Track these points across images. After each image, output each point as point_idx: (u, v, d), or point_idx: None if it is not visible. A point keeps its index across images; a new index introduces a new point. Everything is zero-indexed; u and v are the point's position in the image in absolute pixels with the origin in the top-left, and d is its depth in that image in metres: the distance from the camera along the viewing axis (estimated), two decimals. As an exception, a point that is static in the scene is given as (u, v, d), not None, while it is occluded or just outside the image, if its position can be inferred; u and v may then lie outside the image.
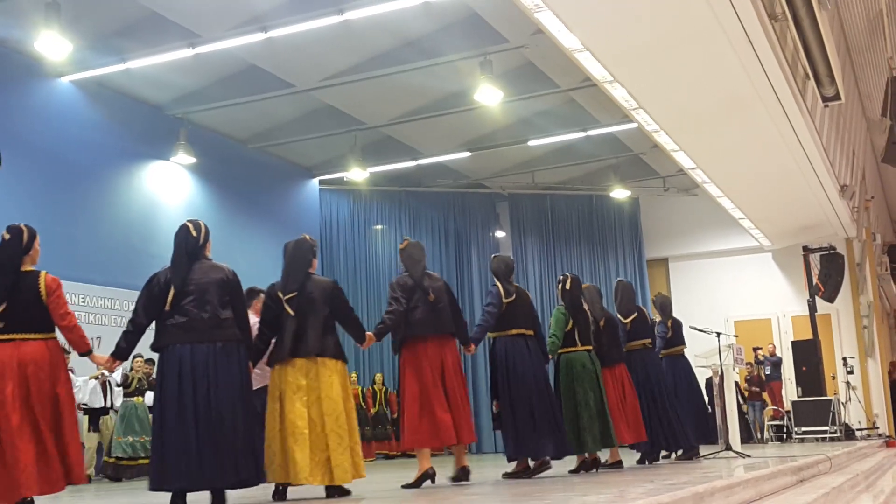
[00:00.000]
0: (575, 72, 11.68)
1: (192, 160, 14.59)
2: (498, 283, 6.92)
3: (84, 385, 11.13)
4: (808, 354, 15.71)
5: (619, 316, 8.49)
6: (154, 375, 11.60)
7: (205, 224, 5.30)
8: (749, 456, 8.82)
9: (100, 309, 12.70)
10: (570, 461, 7.51)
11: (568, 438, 6.89)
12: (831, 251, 16.80)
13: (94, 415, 11.43)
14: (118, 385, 11.42)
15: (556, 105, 15.47)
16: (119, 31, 12.27)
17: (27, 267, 5.26)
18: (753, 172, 13.61)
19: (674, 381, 8.93)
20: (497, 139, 16.69)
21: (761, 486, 5.18)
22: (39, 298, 5.17)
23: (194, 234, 5.20)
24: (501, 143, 16.80)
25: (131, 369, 11.35)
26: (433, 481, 6.13)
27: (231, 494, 5.20)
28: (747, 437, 14.49)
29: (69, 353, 6.71)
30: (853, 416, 15.97)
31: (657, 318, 9.35)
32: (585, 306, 7.54)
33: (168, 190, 14.48)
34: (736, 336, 12.15)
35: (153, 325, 5.13)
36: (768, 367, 17.04)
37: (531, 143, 16.71)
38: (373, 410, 16.47)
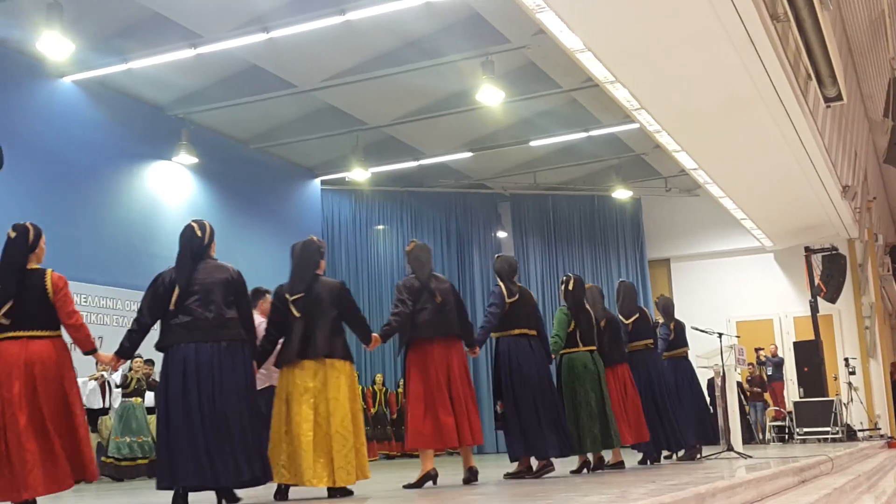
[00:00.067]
0: (577, 72, 11.67)
1: (194, 160, 14.60)
2: (501, 284, 6.92)
3: (83, 385, 11.12)
4: (810, 355, 15.71)
5: (620, 317, 8.49)
6: (153, 376, 11.66)
7: (210, 224, 5.31)
8: (751, 456, 8.81)
9: (101, 309, 12.70)
10: (572, 461, 7.51)
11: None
12: (833, 252, 16.79)
13: (93, 415, 11.42)
14: (117, 386, 11.42)
15: (558, 105, 15.46)
16: (121, 31, 12.28)
17: (33, 265, 5.28)
18: (755, 173, 13.61)
19: (675, 382, 8.93)
20: (499, 139, 16.69)
21: (763, 486, 5.18)
22: (46, 296, 5.19)
23: (199, 234, 5.21)
24: (503, 144, 16.79)
25: (130, 369, 11.34)
26: (435, 482, 6.13)
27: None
28: (749, 437, 14.49)
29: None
30: (855, 416, 15.96)
31: (659, 319, 9.35)
32: (588, 307, 7.54)
33: (169, 190, 14.49)
34: (738, 336, 12.14)
35: (157, 324, 5.14)
36: (770, 368, 17.03)
37: (533, 143, 16.71)
38: (373, 410, 16.48)
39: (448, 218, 19.94)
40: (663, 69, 9.75)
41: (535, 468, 6.77)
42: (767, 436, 15.97)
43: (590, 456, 7.36)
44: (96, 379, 11.26)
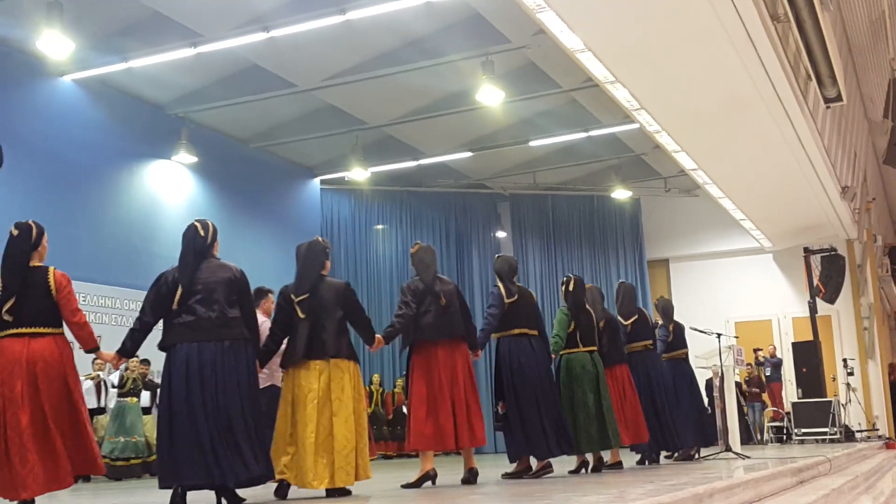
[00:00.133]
0: (577, 72, 11.68)
1: (194, 159, 14.60)
2: (499, 284, 6.92)
3: (79, 385, 11.11)
4: (809, 356, 15.71)
5: (619, 318, 8.49)
6: (149, 376, 11.67)
7: (213, 224, 5.32)
8: (749, 457, 8.82)
9: (101, 308, 12.70)
10: (571, 462, 7.51)
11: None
12: (832, 252, 16.79)
13: (88, 415, 11.40)
14: (114, 386, 11.41)
15: (558, 105, 15.47)
16: (121, 30, 12.29)
17: (35, 263, 5.31)
18: (755, 173, 13.61)
19: (674, 384, 8.93)
20: (498, 139, 16.70)
21: (761, 487, 5.18)
22: (49, 293, 5.21)
23: (202, 233, 5.22)
24: (503, 144, 16.80)
25: (126, 369, 11.32)
26: (434, 482, 6.14)
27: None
28: (747, 438, 14.50)
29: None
30: (853, 417, 15.96)
31: (659, 321, 9.36)
32: (588, 307, 7.54)
33: (169, 189, 14.49)
34: (736, 337, 12.17)
35: (158, 324, 5.15)
36: (768, 369, 17.04)
37: (532, 143, 16.72)
38: (369, 410, 16.48)
39: (447, 218, 19.95)
40: (663, 69, 9.75)
41: (534, 468, 6.77)
42: (765, 436, 15.97)
43: (588, 456, 7.37)
44: (92, 378, 11.26)
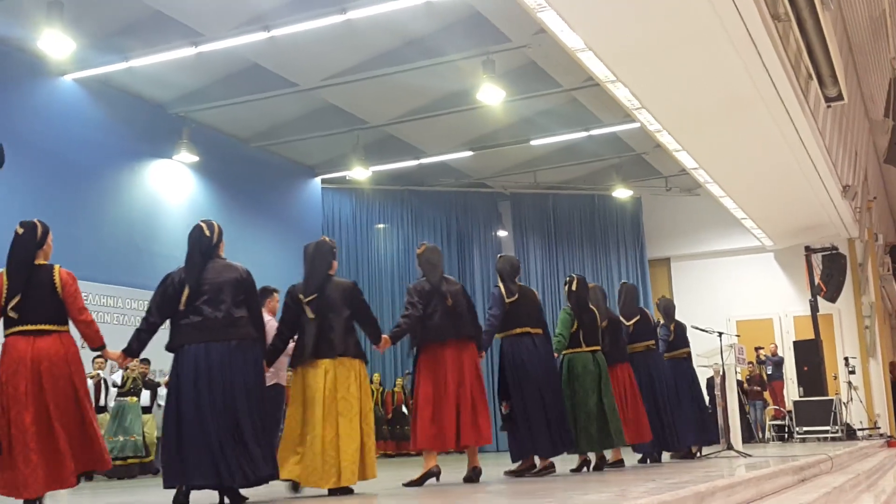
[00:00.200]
0: (577, 71, 11.67)
1: (195, 159, 14.61)
2: (500, 284, 6.94)
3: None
4: (810, 354, 15.71)
5: (621, 318, 8.49)
6: (149, 375, 11.68)
7: (218, 224, 5.34)
8: (750, 455, 8.83)
9: (102, 307, 12.70)
10: (573, 460, 7.51)
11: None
12: (833, 251, 16.79)
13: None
14: (114, 386, 11.42)
15: (559, 104, 15.47)
16: (122, 29, 12.29)
17: (40, 261, 5.34)
18: (755, 172, 13.61)
19: (675, 383, 8.94)
20: (499, 138, 16.69)
21: (762, 485, 5.19)
22: (54, 291, 5.24)
23: (208, 233, 5.23)
24: (504, 143, 16.80)
25: (127, 368, 11.33)
26: (437, 478, 6.15)
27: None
28: (749, 436, 14.49)
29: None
30: (854, 416, 15.97)
31: (660, 320, 9.36)
32: (592, 307, 7.54)
33: (170, 188, 14.50)
34: (738, 336, 12.16)
35: (164, 325, 5.16)
36: (770, 367, 17.03)
37: (533, 142, 16.71)
38: (369, 410, 16.46)
39: (448, 217, 19.94)
40: (664, 69, 9.75)
41: (537, 467, 6.77)
42: (767, 435, 15.98)
43: (590, 455, 7.37)
44: (92, 377, 11.26)
